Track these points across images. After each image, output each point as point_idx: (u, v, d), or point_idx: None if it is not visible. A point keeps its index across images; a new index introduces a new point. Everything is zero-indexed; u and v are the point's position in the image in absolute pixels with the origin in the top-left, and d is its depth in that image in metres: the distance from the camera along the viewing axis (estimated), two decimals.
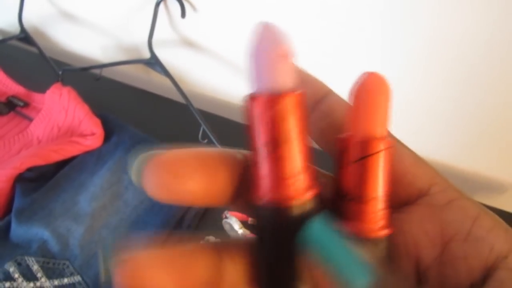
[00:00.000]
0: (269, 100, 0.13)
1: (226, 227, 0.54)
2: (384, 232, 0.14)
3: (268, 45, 0.14)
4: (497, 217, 0.15)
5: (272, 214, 0.14)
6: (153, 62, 0.60)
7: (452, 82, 0.54)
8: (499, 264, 0.14)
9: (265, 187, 0.14)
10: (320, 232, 0.13)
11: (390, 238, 0.15)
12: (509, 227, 0.15)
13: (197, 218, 0.56)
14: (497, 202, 0.61)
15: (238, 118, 0.71)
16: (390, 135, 0.16)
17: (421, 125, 0.63)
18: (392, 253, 0.15)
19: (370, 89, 0.14)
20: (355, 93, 0.15)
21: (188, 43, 0.67)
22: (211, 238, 0.53)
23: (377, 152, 0.14)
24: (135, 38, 0.72)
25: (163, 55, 0.64)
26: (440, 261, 0.15)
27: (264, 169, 0.14)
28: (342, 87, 0.18)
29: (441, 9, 0.46)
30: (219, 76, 0.70)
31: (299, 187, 0.13)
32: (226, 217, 0.53)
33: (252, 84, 0.14)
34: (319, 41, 0.57)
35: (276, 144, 0.13)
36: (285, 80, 0.14)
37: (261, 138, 0.14)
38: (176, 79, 0.59)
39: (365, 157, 0.14)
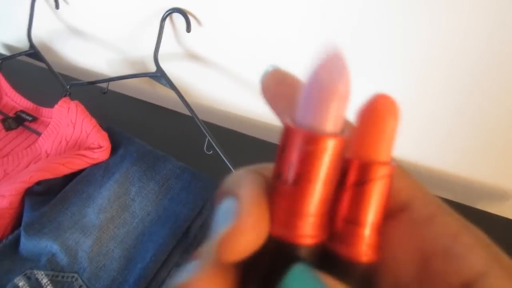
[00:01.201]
0: (312, 138, 0.13)
1: None
2: (370, 258, 0.14)
3: (330, 78, 0.13)
4: (479, 232, 0.15)
5: (270, 243, 0.13)
6: (159, 76, 0.61)
7: (452, 89, 0.54)
8: (478, 281, 0.14)
9: (275, 215, 0.14)
10: (297, 281, 0.13)
11: (375, 264, 0.15)
12: (491, 243, 0.15)
13: (203, 228, 0.57)
14: (500, 210, 0.61)
15: (242, 129, 0.71)
16: (393, 159, 0.15)
17: (422, 132, 0.63)
18: (375, 277, 0.15)
19: (380, 111, 0.14)
20: (363, 113, 0.14)
21: (193, 57, 0.68)
22: None
23: (378, 179, 0.14)
24: (141, 52, 0.73)
25: (168, 68, 0.65)
26: (419, 278, 0.15)
27: (281, 197, 0.14)
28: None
29: (440, 16, 0.47)
30: (224, 88, 0.71)
31: (305, 229, 0.13)
32: None
33: (299, 109, 0.14)
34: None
35: (302, 179, 0.13)
36: (334, 122, 0.13)
37: (290, 168, 0.13)
38: (182, 92, 0.60)
39: (365, 182, 0.14)
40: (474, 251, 0.14)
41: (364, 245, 0.14)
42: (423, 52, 0.52)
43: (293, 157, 0.13)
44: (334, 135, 0.13)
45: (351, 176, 0.14)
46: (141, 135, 0.65)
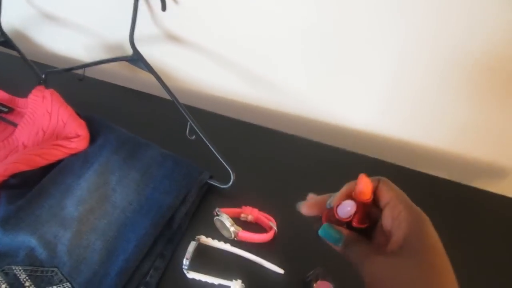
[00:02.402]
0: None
1: (217, 224, 0.52)
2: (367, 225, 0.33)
3: (346, 212, 0.32)
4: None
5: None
6: (136, 59, 0.58)
7: (446, 64, 0.52)
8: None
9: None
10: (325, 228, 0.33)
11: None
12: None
13: (187, 217, 0.55)
14: (497, 188, 0.59)
15: (226, 112, 0.69)
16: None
17: (417, 111, 0.61)
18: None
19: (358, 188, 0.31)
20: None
21: (172, 38, 0.65)
22: (203, 238, 0.51)
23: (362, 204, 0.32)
24: (118, 35, 0.70)
25: (146, 51, 0.62)
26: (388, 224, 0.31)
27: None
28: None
29: None
30: (205, 70, 0.68)
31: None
32: (217, 214, 0.51)
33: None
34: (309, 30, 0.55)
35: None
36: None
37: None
38: (161, 75, 0.57)
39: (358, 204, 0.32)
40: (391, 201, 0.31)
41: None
42: (414, 24, 0.49)
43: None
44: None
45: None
46: (121, 122, 0.62)
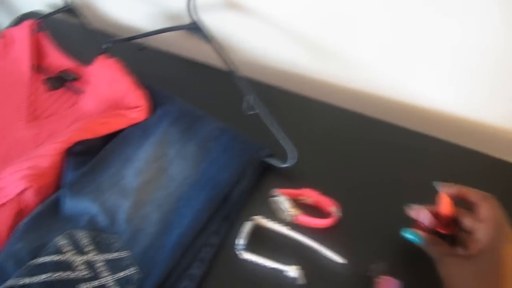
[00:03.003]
0: None
1: (274, 206, 0.50)
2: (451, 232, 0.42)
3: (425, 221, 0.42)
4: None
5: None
6: (195, 27, 0.56)
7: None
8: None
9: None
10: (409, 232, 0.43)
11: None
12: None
13: (244, 195, 0.53)
14: None
15: (288, 86, 0.65)
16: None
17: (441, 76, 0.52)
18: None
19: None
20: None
21: (233, 5, 0.61)
22: (258, 219, 0.49)
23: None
24: (180, 3, 0.68)
25: (208, 20, 0.59)
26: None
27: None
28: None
29: None
30: (268, 40, 0.64)
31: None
32: (275, 196, 0.49)
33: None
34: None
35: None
36: None
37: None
38: (220, 45, 0.54)
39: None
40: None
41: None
42: None
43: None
44: None
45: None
46: (179, 93, 0.61)
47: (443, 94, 0.58)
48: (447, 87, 0.57)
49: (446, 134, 0.57)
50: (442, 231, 0.42)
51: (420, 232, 0.42)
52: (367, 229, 0.48)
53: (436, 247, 0.40)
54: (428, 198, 0.43)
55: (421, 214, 0.42)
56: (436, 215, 0.42)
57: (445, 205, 0.41)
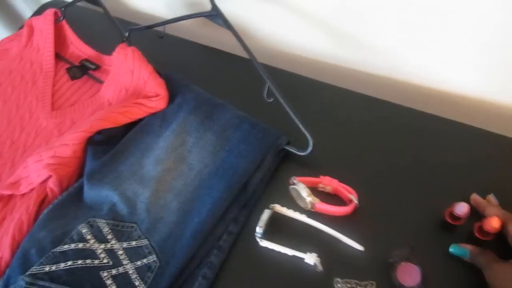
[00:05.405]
0: None
1: (293, 193, 0.49)
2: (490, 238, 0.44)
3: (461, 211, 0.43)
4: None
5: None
6: (214, 14, 0.55)
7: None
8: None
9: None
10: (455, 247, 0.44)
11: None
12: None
13: (263, 183, 0.52)
14: None
15: (308, 73, 0.63)
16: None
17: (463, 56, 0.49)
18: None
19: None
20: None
21: None
22: (277, 206, 0.49)
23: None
24: None
25: (227, 7, 0.58)
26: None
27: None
28: None
29: None
30: (287, 27, 0.63)
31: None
32: (293, 183, 0.48)
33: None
34: None
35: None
36: None
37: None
38: (241, 33, 0.53)
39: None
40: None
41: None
42: None
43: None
44: None
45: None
46: (198, 80, 0.61)
47: (462, 76, 0.56)
48: (467, 69, 0.54)
49: (465, 117, 0.55)
50: (482, 238, 0.44)
51: (466, 246, 0.43)
52: (386, 215, 0.47)
53: (483, 256, 0.41)
54: (447, 182, 0.42)
55: (461, 207, 0.43)
56: (480, 228, 0.44)
57: (492, 229, 0.42)
